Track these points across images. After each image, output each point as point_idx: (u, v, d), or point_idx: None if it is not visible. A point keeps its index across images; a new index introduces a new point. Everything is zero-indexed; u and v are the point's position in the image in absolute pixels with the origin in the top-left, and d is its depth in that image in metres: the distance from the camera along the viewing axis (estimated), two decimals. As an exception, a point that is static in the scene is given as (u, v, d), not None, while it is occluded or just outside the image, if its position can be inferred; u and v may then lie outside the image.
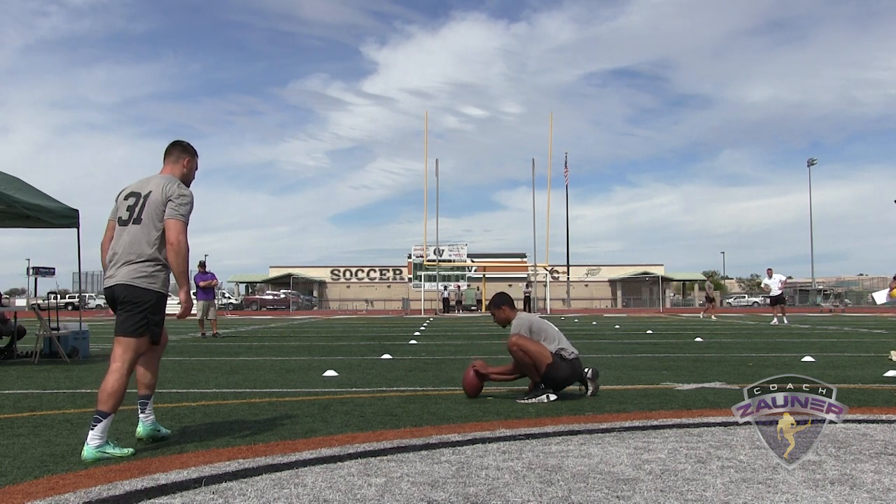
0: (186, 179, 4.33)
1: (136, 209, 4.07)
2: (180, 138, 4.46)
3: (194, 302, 17.03)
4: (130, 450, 3.85)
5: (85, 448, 3.71)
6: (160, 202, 4.03)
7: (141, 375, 4.20)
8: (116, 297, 3.98)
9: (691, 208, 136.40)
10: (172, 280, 4.18)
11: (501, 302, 6.25)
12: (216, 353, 11.46)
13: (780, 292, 22.25)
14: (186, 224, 4.06)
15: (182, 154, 4.36)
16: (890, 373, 7.40)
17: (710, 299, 29.52)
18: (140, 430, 4.17)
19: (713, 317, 28.70)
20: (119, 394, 3.83)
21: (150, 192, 4.08)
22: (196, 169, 4.45)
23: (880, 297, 7.36)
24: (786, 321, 21.90)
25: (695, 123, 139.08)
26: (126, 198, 4.16)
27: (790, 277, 23.69)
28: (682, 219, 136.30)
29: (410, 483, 3.17)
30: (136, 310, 3.93)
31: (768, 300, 25.50)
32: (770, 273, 22.21)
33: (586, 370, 5.96)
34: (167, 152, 4.36)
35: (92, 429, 3.74)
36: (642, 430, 4.45)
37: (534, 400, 5.63)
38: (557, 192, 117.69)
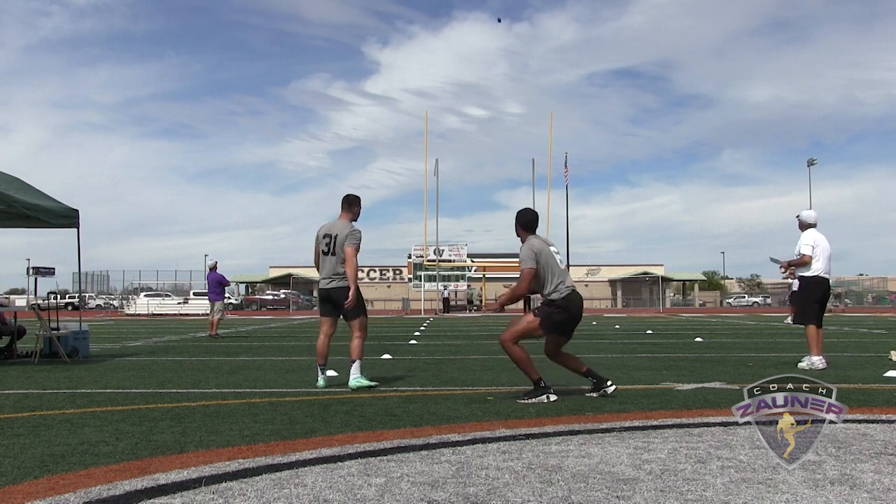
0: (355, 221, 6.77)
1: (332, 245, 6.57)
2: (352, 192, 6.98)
3: (210, 302, 16.75)
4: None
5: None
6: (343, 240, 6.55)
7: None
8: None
9: (692, 208, 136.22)
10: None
11: (525, 223, 6.04)
12: (216, 353, 11.46)
13: None
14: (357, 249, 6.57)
15: (353, 204, 6.87)
16: (890, 373, 7.41)
17: None
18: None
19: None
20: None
21: (337, 234, 6.59)
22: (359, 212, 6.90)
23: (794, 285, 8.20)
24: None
25: (696, 123, 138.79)
26: (324, 237, 6.66)
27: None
28: (682, 219, 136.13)
29: (410, 483, 3.17)
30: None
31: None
32: None
33: (608, 382, 5.89)
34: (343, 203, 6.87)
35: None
36: (642, 430, 4.45)
37: (534, 400, 5.63)
38: (558, 192, 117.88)
